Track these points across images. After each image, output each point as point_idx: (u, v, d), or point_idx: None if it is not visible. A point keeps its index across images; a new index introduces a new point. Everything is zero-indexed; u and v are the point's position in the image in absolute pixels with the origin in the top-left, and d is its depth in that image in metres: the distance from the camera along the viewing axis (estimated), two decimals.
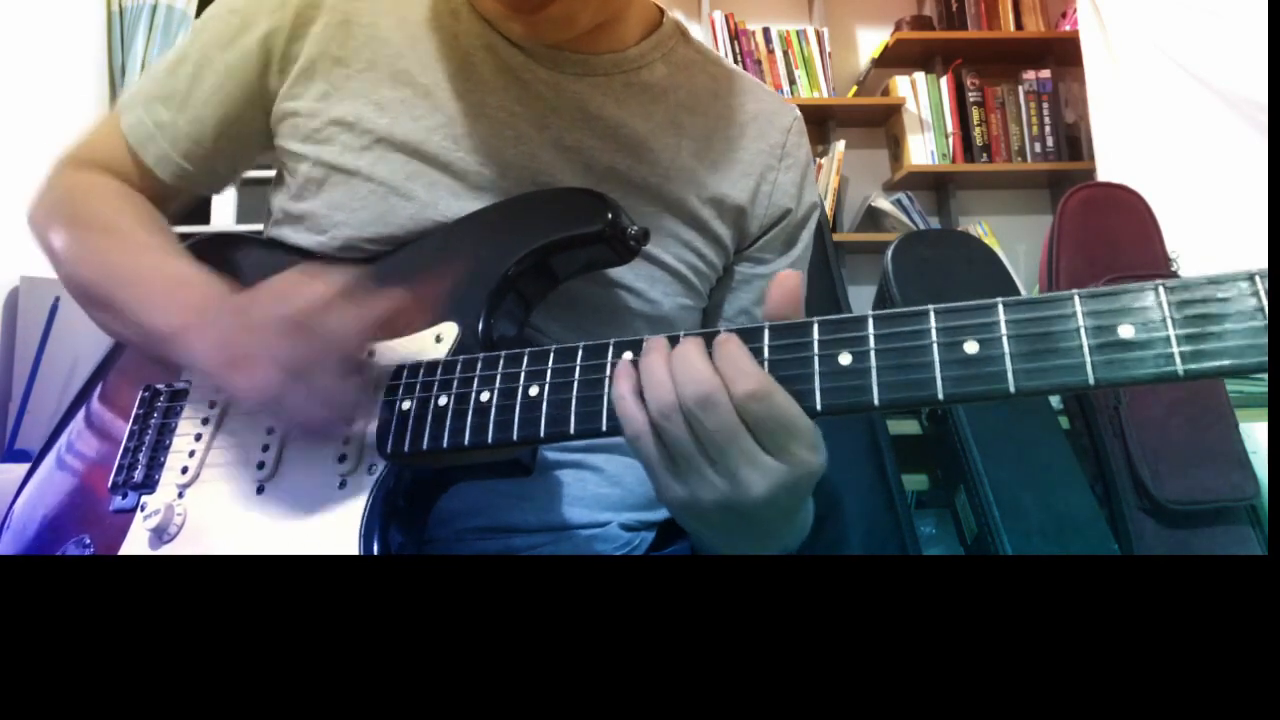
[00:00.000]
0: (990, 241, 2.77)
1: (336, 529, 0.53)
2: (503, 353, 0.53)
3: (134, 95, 0.73)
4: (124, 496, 0.62)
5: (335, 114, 0.67)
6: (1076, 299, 0.41)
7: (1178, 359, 0.38)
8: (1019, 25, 2.98)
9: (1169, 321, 0.39)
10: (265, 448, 0.58)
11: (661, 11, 0.75)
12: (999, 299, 0.42)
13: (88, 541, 0.61)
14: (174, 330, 0.57)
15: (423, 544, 0.60)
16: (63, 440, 0.71)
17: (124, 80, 2.41)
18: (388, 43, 0.68)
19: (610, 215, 0.59)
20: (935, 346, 0.42)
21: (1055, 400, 1.53)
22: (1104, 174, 2.37)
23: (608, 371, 0.49)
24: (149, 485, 0.61)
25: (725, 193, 0.72)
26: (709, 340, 0.47)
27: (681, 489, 0.47)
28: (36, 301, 1.83)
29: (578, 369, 0.50)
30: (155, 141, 0.71)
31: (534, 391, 0.51)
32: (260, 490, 0.57)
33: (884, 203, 2.85)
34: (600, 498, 0.71)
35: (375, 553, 0.52)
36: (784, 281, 0.48)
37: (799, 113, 0.78)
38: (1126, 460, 1.45)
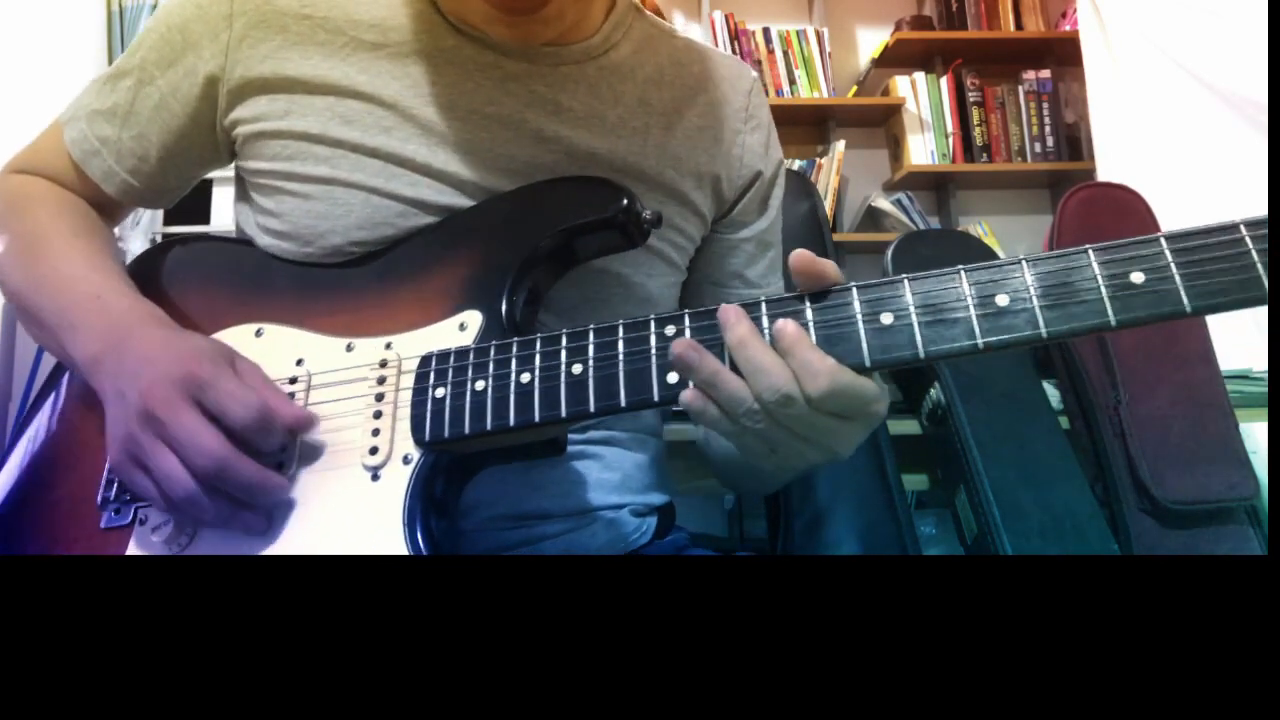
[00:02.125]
0: (990, 241, 2.77)
1: (375, 522, 0.53)
2: (538, 335, 0.54)
3: (76, 107, 0.71)
4: (117, 512, 0.59)
5: (300, 129, 0.65)
6: (1091, 252, 0.46)
7: (1184, 297, 0.43)
8: (1019, 25, 2.98)
9: (1173, 266, 0.44)
10: (283, 447, 0.56)
11: None
12: (1022, 257, 0.47)
13: None
14: (86, 360, 0.58)
15: (456, 533, 0.60)
16: (20, 454, 0.66)
17: None
18: (346, 56, 0.66)
19: (625, 201, 0.61)
20: (970, 301, 0.47)
21: (1055, 400, 1.53)
22: (1104, 174, 2.37)
23: (652, 344, 0.52)
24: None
25: (700, 162, 0.73)
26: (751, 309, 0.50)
27: (778, 460, 0.51)
28: None
29: (620, 343, 0.52)
30: (100, 157, 0.70)
31: (578, 370, 0.52)
32: (266, 503, 0.55)
33: (884, 203, 2.85)
34: (604, 482, 0.72)
35: (420, 542, 0.52)
36: (802, 268, 0.50)
37: (755, 74, 0.80)
38: (1126, 460, 1.45)
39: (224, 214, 2.47)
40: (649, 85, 0.72)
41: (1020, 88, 2.92)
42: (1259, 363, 1.59)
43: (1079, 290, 0.45)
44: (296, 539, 0.54)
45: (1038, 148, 2.89)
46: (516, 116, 0.67)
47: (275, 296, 0.65)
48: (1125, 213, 1.67)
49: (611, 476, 0.73)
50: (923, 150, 2.88)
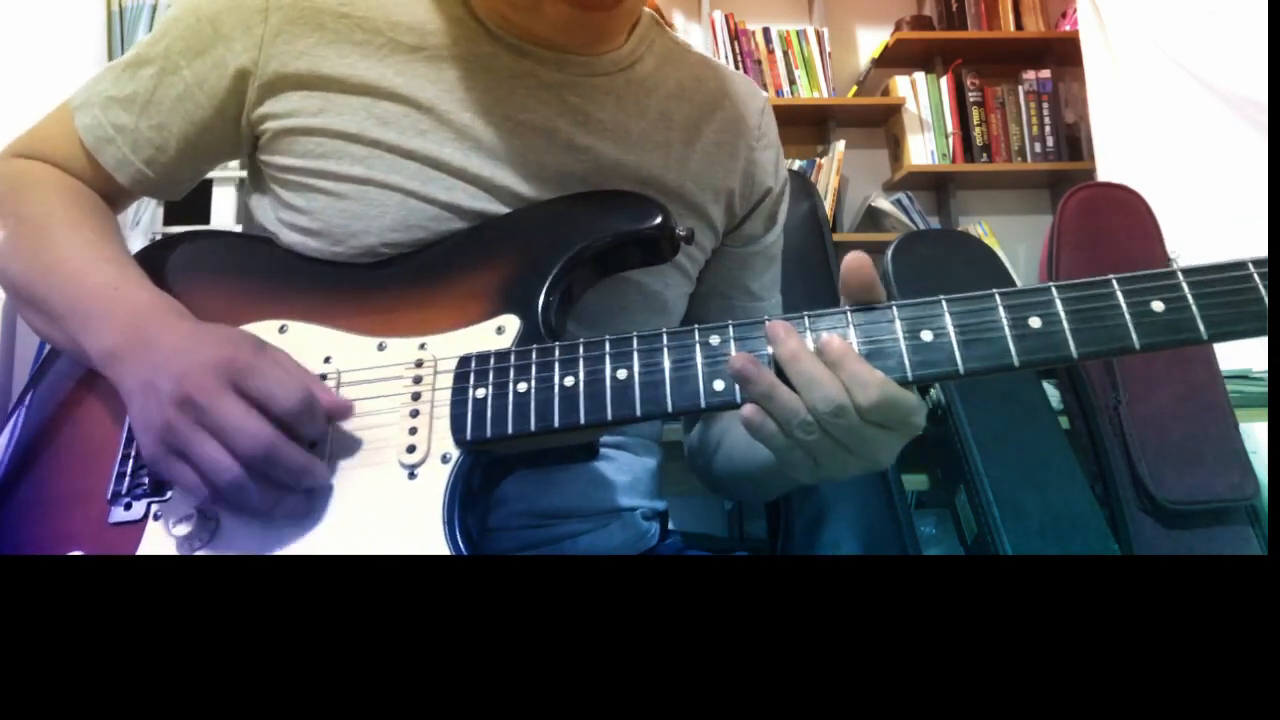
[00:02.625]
0: (990, 241, 2.77)
1: (413, 521, 0.53)
2: (581, 340, 0.56)
3: (89, 93, 0.69)
4: (127, 508, 0.57)
5: (336, 127, 0.65)
6: (1115, 282, 0.50)
7: (1200, 325, 0.48)
8: (1019, 25, 2.98)
9: (1190, 297, 0.48)
10: (312, 444, 0.56)
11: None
12: (1052, 283, 0.50)
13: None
14: (102, 353, 0.56)
15: (486, 531, 0.61)
16: (17, 450, 0.64)
17: None
18: (383, 57, 0.66)
19: (661, 217, 0.63)
20: (1005, 322, 0.50)
21: (1055, 400, 1.53)
22: (1104, 174, 2.37)
23: (698, 352, 0.54)
24: (162, 491, 0.57)
25: (716, 177, 0.74)
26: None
27: (820, 474, 0.52)
28: None
29: (666, 351, 0.54)
30: (114, 145, 0.68)
31: (623, 375, 0.54)
32: (309, 488, 0.55)
33: (884, 203, 2.84)
34: (619, 484, 0.74)
35: (459, 541, 0.52)
36: (856, 268, 0.53)
37: (765, 94, 0.82)
38: (1126, 460, 1.45)
39: (224, 214, 2.48)
40: (670, 100, 0.73)
41: (1020, 88, 2.91)
42: (1259, 363, 1.59)
43: (1105, 315, 0.49)
44: (329, 534, 0.54)
45: (1038, 148, 2.88)
46: (549, 125, 0.68)
47: (299, 293, 0.64)
48: (1125, 212, 1.67)
49: (624, 479, 0.74)
50: (923, 150, 2.88)
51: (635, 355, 0.54)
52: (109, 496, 0.58)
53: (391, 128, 0.65)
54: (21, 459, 0.63)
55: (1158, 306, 0.48)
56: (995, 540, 1.32)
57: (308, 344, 0.61)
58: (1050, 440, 1.43)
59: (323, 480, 0.54)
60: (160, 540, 0.56)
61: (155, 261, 0.68)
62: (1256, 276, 0.48)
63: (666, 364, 0.53)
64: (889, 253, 1.56)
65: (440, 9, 0.68)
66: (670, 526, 0.82)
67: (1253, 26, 1.88)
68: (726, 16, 2.91)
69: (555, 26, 0.66)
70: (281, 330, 0.62)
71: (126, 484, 0.58)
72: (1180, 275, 0.49)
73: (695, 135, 0.73)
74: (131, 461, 0.59)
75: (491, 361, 0.57)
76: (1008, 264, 1.77)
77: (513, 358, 0.56)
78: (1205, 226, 1.94)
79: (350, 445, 0.56)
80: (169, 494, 0.57)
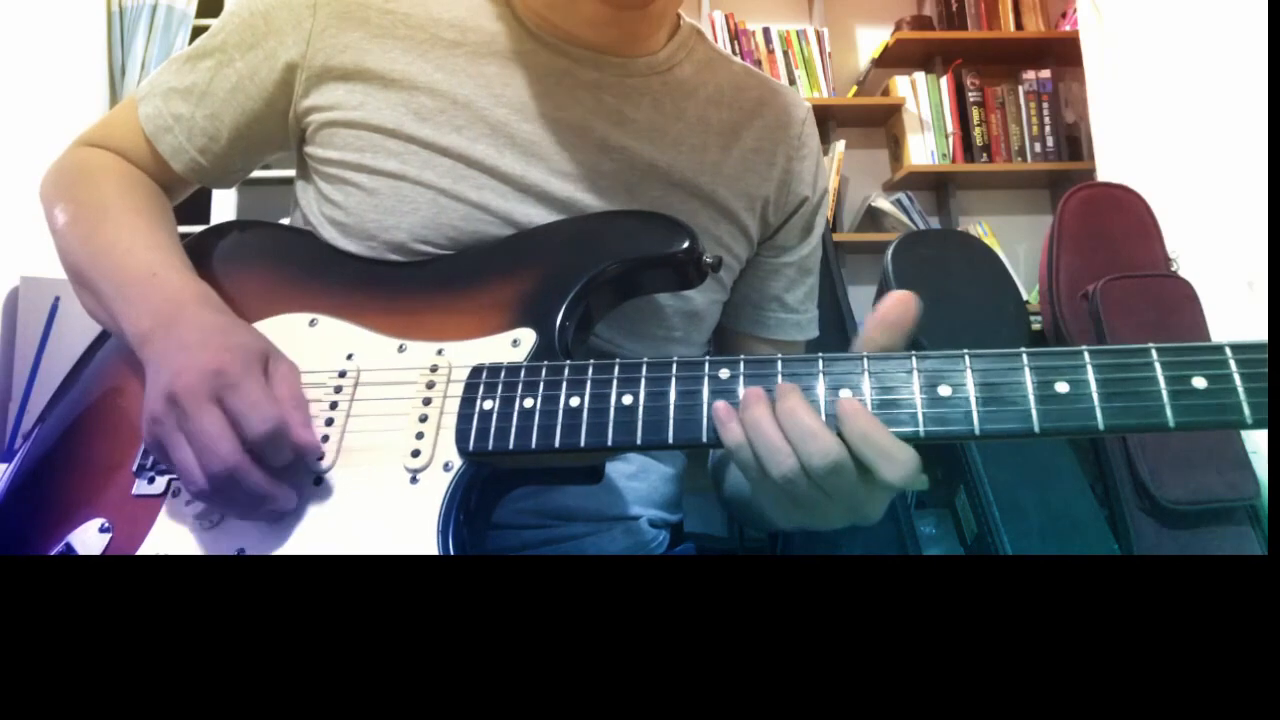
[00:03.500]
0: (990, 241, 2.77)
1: (409, 525, 0.53)
2: (591, 361, 0.55)
3: (153, 84, 0.73)
4: (150, 481, 0.59)
5: (375, 122, 0.67)
6: (1154, 352, 0.46)
7: (1245, 408, 0.43)
8: (1019, 25, 2.98)
9: (1236, 375, 0.44)
10: (325, 438, 0.57)
11: (678, 14, 0.77)
12: (1084, 348, 0.47)
13: (106, 525, 0.58)
14: (137, 335, 0.59)
15: (483, 539, 0.61)
16: (60, 418, 0.67)
17: (124, 80, 2.41)
18: (424, 52, 0.68)
19: (688, 242, 0.62)
20: (1030, 384, 0.47)
21: None
22: (1104, 174, 2.36)
23: (704, 384, 0.52)
24: None
25: (751, 185, 0.74)
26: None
27: (800, 516, 0.50)
28: (36, 301, 1.83)
29: (674, 380, 0.52)
30: (171, 134, 0.71)
31: (628, 400, 0.52)
32: (318, 481, 0.56)
33: (884, 203, 2.85)
34: (631, 490, 0.73)
35: (451, 549, 0.52)
36: (893, 312, 0.50)
37: (809, 104, 0.81)
38: (1126, 460, 1.45)
39: (224, 214, 2.47)
40: (709, 105, 0.74)
41: (1020, 88, 2.91)
42: None
43: (1139, 387, 0.45)
44: (326, 529, 0.55)
45: (1038, 148, 2.88)
46: (583, 123, 0.68)
47: (332, 289, 0.66)
48: (1125, 212, 1.67)
49: (639, 486, 0.74)
50: (923, 150, 2.88)
51: (643, 382, 0.53)
52: (135, 468, 0.60)
53: (427, 123, 0.66)
54: (70, 423, 0.66)
55: (1199, 383, 0.44)
56: (995, 540, 1.32)
57: (334, 339, 0.62)
58: (1050, 440, 1.43)
59: (286, 508, 0.54)
60: (176, 515, 0.57)
61: (205, 247, 0.71)
62: None
63: (672, 394, 0.52)
64: (889, 253, 1.56)
65: (481, 7, 0.69)
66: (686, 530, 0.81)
67: (1253, 27, 1.88)
68: (726, 16, 2.91)
69: (590, 25, 0.67)
70: (311, 324, 0.63)
71: (151, 458, 0.60)
72: (1228, 351, 0.45)
73: (733, 141, 0.74)
74: None
75: (502, 374, 0.56)
76: (1008, 264, 1.77)
77: (523, 372, 0.56)
78: (1205, 226, 1.94)
79: (360, 443, 0.57)
80: None
